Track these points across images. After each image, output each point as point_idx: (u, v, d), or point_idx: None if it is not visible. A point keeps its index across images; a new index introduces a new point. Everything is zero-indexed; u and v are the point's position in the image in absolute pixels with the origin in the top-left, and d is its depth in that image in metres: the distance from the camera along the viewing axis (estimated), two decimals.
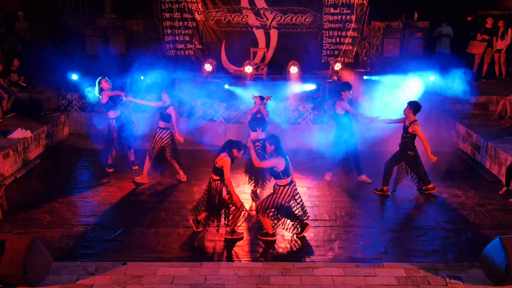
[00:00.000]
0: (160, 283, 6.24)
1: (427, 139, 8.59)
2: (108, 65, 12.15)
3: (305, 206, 7.48)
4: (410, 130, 8.62)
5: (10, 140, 10.28)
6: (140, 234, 7.61)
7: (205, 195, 7.48)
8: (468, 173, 10.30)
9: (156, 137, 9.39)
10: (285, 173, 7.16)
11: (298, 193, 7.38)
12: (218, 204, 7.31)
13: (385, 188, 9.10)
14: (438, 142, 11.24)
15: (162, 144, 9.39)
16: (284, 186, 7.20)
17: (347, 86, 9.45)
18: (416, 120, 8.64)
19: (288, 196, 7.23)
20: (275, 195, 7.26)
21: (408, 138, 8.72)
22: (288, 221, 7.48)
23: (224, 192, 7.30)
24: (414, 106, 8.66)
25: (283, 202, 7.22)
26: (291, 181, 7.26)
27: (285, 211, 7.31)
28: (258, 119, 8.71)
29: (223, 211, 7.41)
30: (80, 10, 15.17)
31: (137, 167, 10.19)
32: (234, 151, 7.17)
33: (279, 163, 7.09)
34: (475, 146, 10.88)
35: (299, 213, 7.42)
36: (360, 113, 9.81)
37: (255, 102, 8.91)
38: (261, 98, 8.88)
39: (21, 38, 14.95)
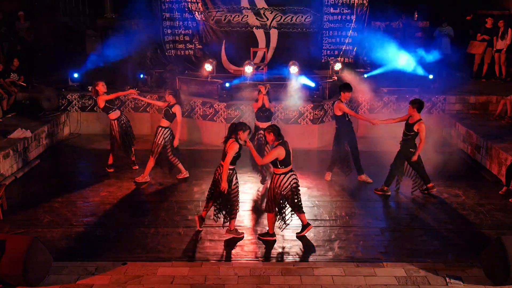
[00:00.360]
0: (160, 283, 6.24)
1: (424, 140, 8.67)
2: (108, 65, 12.16)
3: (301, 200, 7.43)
4: (415, 128, 8.63)
5: (10, 140, 10.28)
6: (140, 234, 7.60)
7: (213, 184, 7.46)
8: (468, 173, 10.29)
9: (157, 136, 9.37)
10: (283, 162, 7.10)
11: (297, 183, 7.27)
12: (226, 194, 7.23)
13: (385, 188, 9.09)
14: (438, 142, 11.24)
15: (164, 143, 9.38)
16: (280, 174, 7.16)
17: (346, 87, 9.40)
18: (421, 119, 8.65)
19: (285, 184, 7.14)
20: (272, 185, 7.21)
21: (411, 136, 8.73)
22: (293, 214, 7.43)
23: (234, 181, 7.30)
24: (417, 104, 8.67)
25: (279, 191, 7.15)
26: (290, 170, 7.20)
27: (280, 200, 7.21)
28: (264, 110, 9.22)
29: (227, 199, 7.32)
30: (80, 10, 15.19)
31: (137, 167, 10.18)
32: (240, 132, 7.14)
33: (280, 154, 7.04)
34: (475, 146, 10.88)
35: (298, 203, 7.34)
36: (359, 115, 9.78)
37: (260, 91, 9.25)
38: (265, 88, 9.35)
39: (21, 38, 14.96)
